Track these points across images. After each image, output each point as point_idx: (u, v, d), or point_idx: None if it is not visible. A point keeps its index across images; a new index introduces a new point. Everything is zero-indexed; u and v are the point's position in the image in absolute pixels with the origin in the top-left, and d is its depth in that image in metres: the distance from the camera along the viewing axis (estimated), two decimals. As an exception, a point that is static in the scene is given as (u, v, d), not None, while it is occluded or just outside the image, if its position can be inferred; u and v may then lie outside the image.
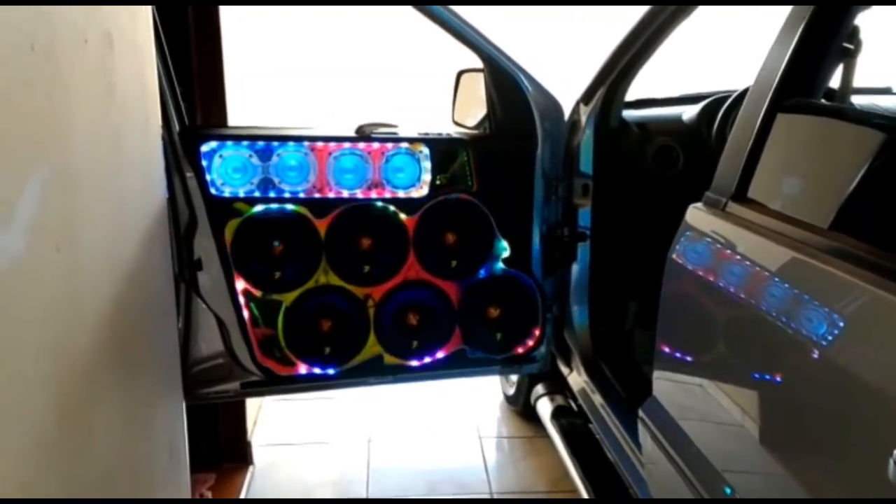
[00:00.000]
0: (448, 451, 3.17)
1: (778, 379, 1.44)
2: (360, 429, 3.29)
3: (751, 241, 1.58)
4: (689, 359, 1.80)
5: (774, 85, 1.65)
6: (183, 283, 2.29)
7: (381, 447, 3.18)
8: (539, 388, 2.95)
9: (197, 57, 2.63)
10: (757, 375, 1.51)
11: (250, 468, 2.97)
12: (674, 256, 1.82)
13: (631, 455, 2.29)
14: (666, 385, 1.90)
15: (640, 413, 1.98)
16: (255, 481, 2.92)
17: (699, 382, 1.72)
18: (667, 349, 1.89)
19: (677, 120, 2.71)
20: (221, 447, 2.97)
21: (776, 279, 1.46)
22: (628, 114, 2.66)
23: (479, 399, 3.55)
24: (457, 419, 3.40)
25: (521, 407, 3.30)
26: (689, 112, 2.71)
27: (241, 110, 2.84)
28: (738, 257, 1.61)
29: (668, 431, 1.83)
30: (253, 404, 3.15)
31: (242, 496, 2.81)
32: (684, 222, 1.82)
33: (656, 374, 1.92)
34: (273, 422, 3.29)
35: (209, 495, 2.77)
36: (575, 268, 2.62)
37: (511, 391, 3.40)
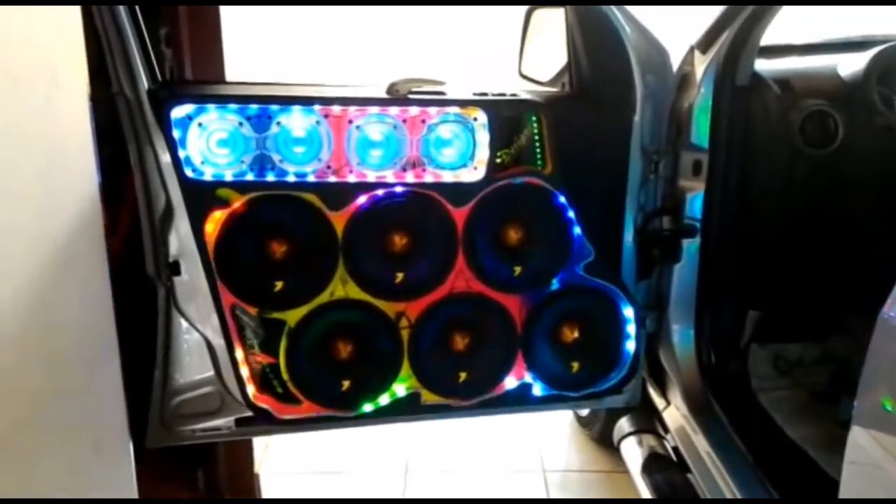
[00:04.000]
0: (503, 488, 2.63)
1: None
2: (396, 455, 2.79)
3: None
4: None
5: None
6: (161, 289, 1.80)
7: (420, 479, 2.68)
8: (624, 424, 2.35)
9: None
10: None
11: (258, 505, 2.49)
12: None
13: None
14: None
15: None
16: (263, 523, 2.42)
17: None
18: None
19: (832, 75, 2.07)
20: (222, 478, 2.47)
21: None
22: (762, 65, 2.02)
23: (544, 419, 2.99)
24: (515, 445, 2.86)
25: (598, 434, 2.77)
26: (849, 64, 2.06)
27: (246, 63, 2.23)
28: None
29: None
30: (264, 423, 2.62)
31: (245, 544, 2.28)
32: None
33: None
34: (289, 445, 2.78)
35: (201, 545, 2.23)
36: (677, 270, 2.07)
37: (585, 411, 2.85)
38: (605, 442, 2.67)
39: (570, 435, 2.93)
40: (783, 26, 2.09)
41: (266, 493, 2.51)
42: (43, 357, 1.26)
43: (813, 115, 1.97)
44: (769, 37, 2.00)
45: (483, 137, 1.84)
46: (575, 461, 2.79)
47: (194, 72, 2.09)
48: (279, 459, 2.70)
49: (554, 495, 2.58)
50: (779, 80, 2.02)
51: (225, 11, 2.11)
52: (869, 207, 2.01)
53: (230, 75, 2.13)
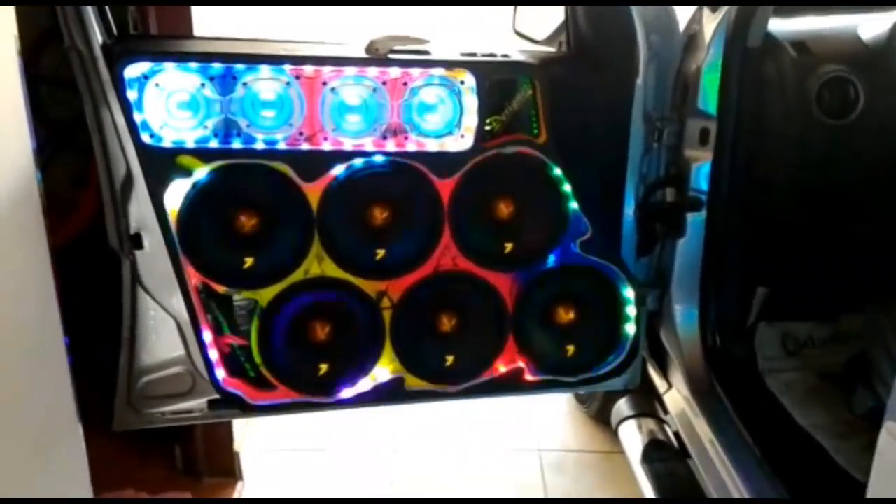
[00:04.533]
0: (496, 471, 2.53)
1: None
2: (384, 434, 2.68)
3: None
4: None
5: None
6: (126, 262, 1.68)
7: (409, 460, 2.58)
8: (623, 407, 2.24)
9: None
10: None
11: (238, 485, 2.40)
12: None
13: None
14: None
15: None
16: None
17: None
18: None
19: (853, 38, 1.92)
20: (201, 457, 2.39)
21: None
22: (777, 25, 1.88)
23: (540, 396, 2.85)
24: (510, 425, 2.75)
25: (596, 412, 2.68)
26: (872, 26, 1.91)
27: (217, 16, 2.12)
28: None
29: None
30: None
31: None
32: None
33: None
34: (271, 422, 2.66)
35: (177, 526, 2.16)
36: (681, 245, 1.96)
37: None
38: (603, 420, 2.59)
39: (568, 412, 2.83)
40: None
41: (247, 471, 2.43)
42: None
43: (831, 81, 1.84)
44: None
45: (471, 102, 1.72)
46: (572, 441, 2.69)
47: (160, 25, 1.96)
48: (261, 435, 2.62)
49: (549, 476, 2.49)
50: (795, 43, 1.89)
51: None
52: (889, 182, 1.88)
53: (201, 30, 1.99)
